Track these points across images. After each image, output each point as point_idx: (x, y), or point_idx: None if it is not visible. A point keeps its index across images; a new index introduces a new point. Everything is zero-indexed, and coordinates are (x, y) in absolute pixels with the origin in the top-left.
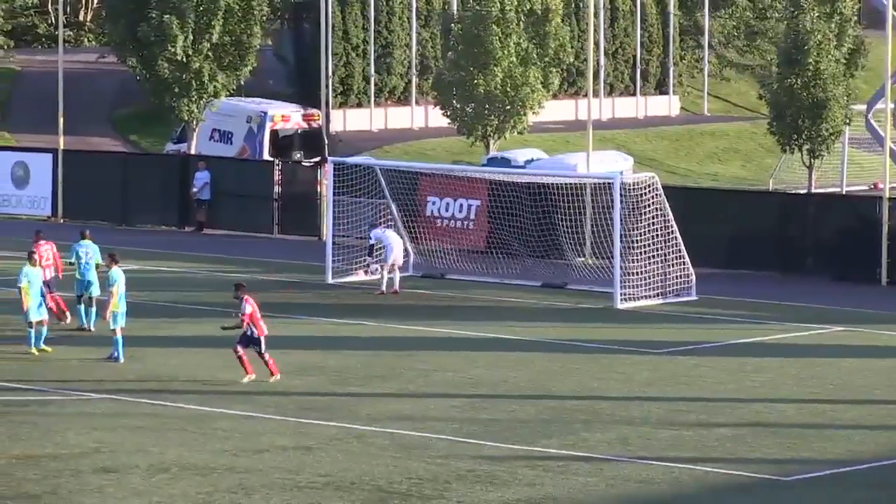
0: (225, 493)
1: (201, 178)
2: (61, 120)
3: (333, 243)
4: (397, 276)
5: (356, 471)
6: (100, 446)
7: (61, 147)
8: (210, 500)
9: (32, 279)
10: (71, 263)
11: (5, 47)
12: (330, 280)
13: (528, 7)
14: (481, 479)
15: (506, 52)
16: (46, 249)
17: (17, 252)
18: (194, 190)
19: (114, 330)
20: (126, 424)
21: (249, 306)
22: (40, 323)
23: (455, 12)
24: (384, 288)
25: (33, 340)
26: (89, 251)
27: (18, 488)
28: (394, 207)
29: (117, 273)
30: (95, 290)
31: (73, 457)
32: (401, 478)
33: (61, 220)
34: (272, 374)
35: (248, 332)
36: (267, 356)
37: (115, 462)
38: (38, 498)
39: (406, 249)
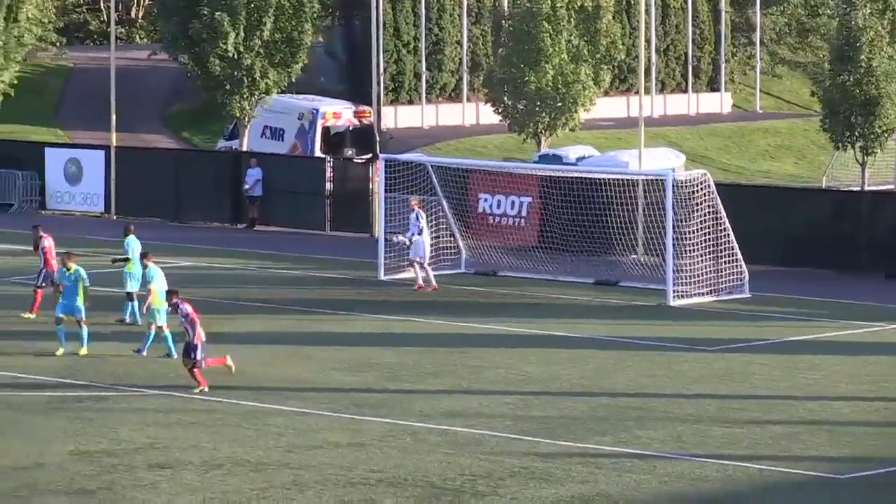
0: (279, 488)
1: (253, 174)
2: (114, 117)
3: (385, 240)
4: (420, 272)
5: (409, 467)
6: (154, 442)
7: (114, 144)
8: (264, 495)
9: (63, 280)
10: (125, 259)
11: (58, 44)
12: (382, 276)
13: (578, 4)
14: (535, 476)
15: (557, 49)
16: (50, 242)
17: (64, 248)
18: (246, 187)
19: (161, 327)
20: (180, 420)
21: (189, 306)
22: (78, 322)
23: (506, 9)
24: (421, 282)
25: (84, 340)
26: (136, 247)
27: (73, 483)
28: (445, 204)
29: (155, 270)
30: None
31: (127, 452)
32: (454, 474)
33: (114, 217)
34: (200, 384)
35: (188, 339)
36: (204, 365)
37: (168, 458)
38: (92, 493)
39: (457, 246)
